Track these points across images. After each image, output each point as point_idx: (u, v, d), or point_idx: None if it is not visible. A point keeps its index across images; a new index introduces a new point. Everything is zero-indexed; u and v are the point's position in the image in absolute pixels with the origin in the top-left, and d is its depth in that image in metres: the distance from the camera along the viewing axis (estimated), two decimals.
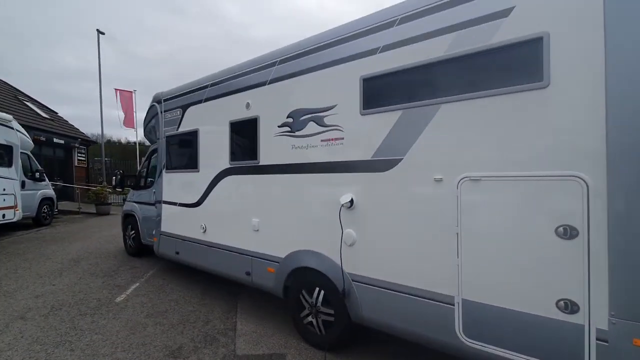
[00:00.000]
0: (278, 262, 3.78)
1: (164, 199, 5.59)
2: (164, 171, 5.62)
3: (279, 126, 3.78)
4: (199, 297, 4.84)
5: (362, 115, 3.06)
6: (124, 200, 8.01)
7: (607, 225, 1.98)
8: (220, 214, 4.55)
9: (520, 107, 2.27)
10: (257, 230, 4.03)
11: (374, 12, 3.07)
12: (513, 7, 2.31)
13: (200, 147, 4.87)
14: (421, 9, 2.71)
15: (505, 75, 2.33)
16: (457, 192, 2.50)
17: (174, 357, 3.26)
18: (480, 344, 2.41)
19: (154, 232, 5.88)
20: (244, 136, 4.28)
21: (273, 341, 3.61)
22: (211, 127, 4.72)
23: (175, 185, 5.40)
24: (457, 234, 2.50)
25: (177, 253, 5.29)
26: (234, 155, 4.35)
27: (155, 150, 6.41)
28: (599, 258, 2.01)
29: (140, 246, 6.78)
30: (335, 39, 3.26)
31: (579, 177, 2.06)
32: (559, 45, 2.14)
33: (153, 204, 6.13)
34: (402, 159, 2.80)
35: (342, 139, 3.20)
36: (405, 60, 2.78)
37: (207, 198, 4.74)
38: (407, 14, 2.79)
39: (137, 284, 5.29)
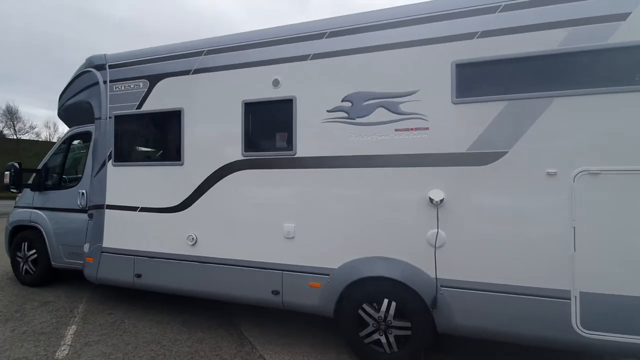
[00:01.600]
0: (327, 275, 3.14)
1: (110, 202, 4.03)
2: (109, 164, 4.05)
3: (329, 111, 3.15)
4: (186, 331, 3.64)
5: (454, 104, 2.80)
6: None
7: None
8: (225, 220, 3.52)
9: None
10: (292, 237, 3.26)
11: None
12: (629, 13, 2.46)
13: (186, 133, 3.68)
14: None
15: (624, 74, 2.46)
16: (574, 185, 2.51)
17: None
18: (599, 334, 2.47)
19: (86, 250, 4.17)
20: (269, 121, 3.44)
21: None
22: (207, 106, 3.62)
23: (134, 183, 3.95)
24: (574, 227, 2.51)
25: (138, 276, 3.87)
26: (250, 145, 3.43)
27: (82, 136, 4.62)
28: None
29: (47, 271, 4.75)
30: (424, 16, 2.90)
31: None
32: None
33: (78, 211, 4.39)
34: (506, 152, 2.66)
35: (427, 129, 2.86)
36: (510, 49, 2.66)
37: (200, 200, 3.62)
38: (513, 2, 2.68)
39: (74, 327, 3.62)
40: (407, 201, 2.91)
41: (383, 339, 3.01)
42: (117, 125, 4.03)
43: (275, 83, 3.33)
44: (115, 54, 4.16)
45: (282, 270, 3.30)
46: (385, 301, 2.98)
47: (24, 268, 4.87)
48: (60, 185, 4.71)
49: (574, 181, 2.51)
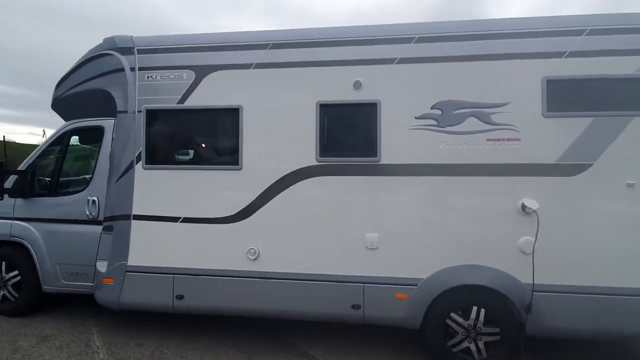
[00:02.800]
0: (414, 285, 3.06)
1: (139, 212, 3.39)
2: (137, 167, 3.41)
3: (416, 117, 3.08)
4: (244, 355, 3.22)
5: (544, 117, 2.95)
6: None
7: None
8: (295, 231, 3.22)
9: None
10: (375, 248, 3.11)
11: (562, 16, 3.04)
12: None
13: (245, 134, 3.28)
14: (613, 27, 2.91)
15: None
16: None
17: None
18: None
19: (101, 269, 3.45)
20: (349, 124, 3.23)
21: None
22: (273, 106, 3.27)
23: (174, 189, 3.39)
24: None
25: (180, 298, 3.33)
26: (326, 149, 3.18)
27: (88, 131, 3.84)
28: None
29: (34, 297, 3.82)
30: (518, 31, 2.99)
31: None
32: None
33: (84, 222, 3.63)
34: (592, 164, 2.89)
35: (518, 140, 2.97)
36: (595, 70, 2.90)
37: (263, 209, 3.25)
38: (599, 27, 2.92)
39: None
40: (498, 209, 2.99)
41: (472, 347, 3.04)
42: (150, 120, 3.42)
43: (357, 85, 3.15)
44: (145, 37, 3.54)
45: (364, 283, 3.12)
46: (474, 308, 3.01)
47: (1, 294, 3.84)
48: (55, 190, 3.81)
49: (633, 186, 2.82)
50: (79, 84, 3.65)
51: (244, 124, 3.28)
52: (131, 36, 3.54)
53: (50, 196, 3.79)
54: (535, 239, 2.88)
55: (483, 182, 3.01)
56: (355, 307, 3.13)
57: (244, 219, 3.28)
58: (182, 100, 3.37)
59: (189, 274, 3.34)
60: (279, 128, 3.27)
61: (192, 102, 3.36)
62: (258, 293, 3.25)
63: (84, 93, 3.66)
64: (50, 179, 3.85)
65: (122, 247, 3.43)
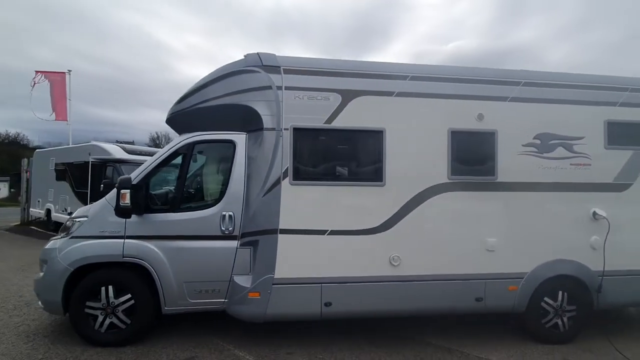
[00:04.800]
0: (521, 278, 3.87)
1: (286, 226, 3.52)
2: (284, 182, 3.52)
3: (523, 145, 3.90)
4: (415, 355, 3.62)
5: (606, 149, 4.04)
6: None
7: None
8: (430, 239, 3.74)
9: None
10: (493, 250, 3.83)
11: (616, 76, 4.15)
12: None
13: (388, 154, 3.68)
14: None
15: None
16: None
17: None
18: None
19: (245, 284, 3.47)
20: (472, 149, 3.88)
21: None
22: (411, 130, 3.75)
23: (321, 204, 3.60)
24: None
25: (328, 305, 3.57)
26: (455, 169, 3.79)
27: (215, 145, 3.74)
28: None
29: (150, 322, 3.56)
30: (587, 84, 4.02)
31: None
32: None
33: (216, 237, 3.57)
34: (632, 183, 4.08)
35: (590, 164, 4.01)
36: (636, 117, 4.09)
37: (403, 220, 3.70)
38: (636, 87, 4.12)
39: None
40: (577, 216, 3.97)
41: (559, 322, 3.98)
42: (297, 138, 3.56)
43: (480, 117, 3.83)
44: (289, 58, 3.66)
45: (486, 280, 3.82)
46: (560, 292, 3.96)
47: (106, 322, 3.45)
48: (179, 206, 3.60)
49: None
50: (218, 97, 3.57)
51: (387, 145, 3.68)
52: (274, 55, 3.63)
53: (173, 212, 3.58)
54: (606, 238, 3.94)
55: (567, 196, 3.97)
56: (479, 299, 3.80)
57: (387, 229, 3.68)
58: (330, 120, 3.61)
59: (336, 282, 3.60)
60: (416, 149, 3.76)
61: (339, 122, 3.63)
62: (400, 295, 3.69)
63: (219, 107, 3.59)
64: (173, 194, 3.63)
65: (268, 260, 3.51)
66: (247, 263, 3.59)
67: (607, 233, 3.93)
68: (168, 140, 46.30)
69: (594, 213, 3.94)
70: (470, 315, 4.07)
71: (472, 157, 3.90)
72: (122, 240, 3.47)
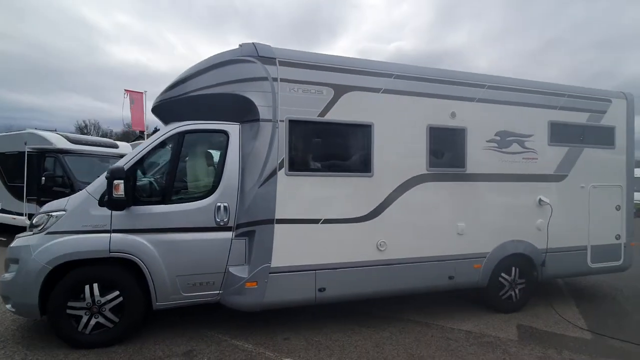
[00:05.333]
0: (484, 257, 4.44)
1: (281, 216, 3.61)
2: (280, 173, 3.60)
3: (487, 141, 4.45)
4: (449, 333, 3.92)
5: (549, 145, 4.77)
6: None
7: None
8: (411, 225, 4.11)
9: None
10: (462, 234, 4.34)
11: (555, 83, 4.88)
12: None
13: (376, 147, 3.95)
14: (576, 94, 4.94)
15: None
16: (589, 192, 4.99)
17: None
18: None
19: (243, 274, 3.49)
20: (446, 144, 4.31)
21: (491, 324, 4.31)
22: (396, 125, 4.05)
23: (314, 194, 3.75)
24: (588, 212, 5.01)
25: (322, 290, 3.75)
26: (433, 161, 4.19)
27: (207, 134, 3.66)
28: None
29: (139, 319, 3.40)
30: (532, 89, 4.68)
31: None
32: None
33: (209, 229, 3.55)
34: (567, 175, 4.88)
35: (537, 159, 4.70)
36: (574, 119, 4.88)
37: (389, 208, 4.01)
38: (571, 93, 4.91)
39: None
40: (526, 202, 4.65)
41: (513, 293, 4.64)
42: (293, 130, 3.65)
43: (453, 115, 4.28)
44: (284, 50, 3.71)
45: (456, 260, 4.30)
46: (513, 268, 4.62)
47: (92, 323, 3.20)
48: (170, 197, 3.45)
49: (588, 190, 4.99)
50: (208, 86, 3.48)
51: (375, 138, 3.94)
52: (270, 46, 3.65)
53: (164, 203, 3.44)
54: (549, 221, 4.68)
55: (520, 185, 4.62)
56: (451, 277, 4.28)
57: (374, 217, 3.96)
58: (323, 114, 3.76)
59: (329, 268, 3.79)
60: (400, 143, 4.07)
61: (332, 116, 3.79)
62: (386, 278, 4.00)
63: (212, 96, 3.51)
64: (163, 185, 3.47)
65: (265, 250, 3.57)
66: (242, 254, 3.61)
67: (550, 216, 4.68)
68: (98, 128, 42.12)
69: (540, 200, 4.65)
70: (442, 292, 4.54)
71: (446, 151, 4.35)
72: (108, 234, 3.26)
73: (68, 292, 3.20)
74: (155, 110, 3.85)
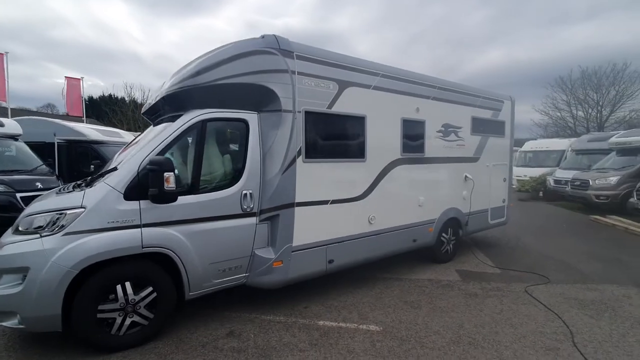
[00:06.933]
0: (434, 222, 5.72)
1: (300, 199, 3.96)
2: (299, 160, 3.91)
3: (437, 131, 5.63)
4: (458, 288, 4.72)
5: (471, 135, 6.28)
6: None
7: None
8: (391, 201, 4.99)
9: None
10: (421, 205, 5.48)
11: (476, 87, 6.34)
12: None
13: (368, 136, 4.60)
14: (482, 95, 6.58)
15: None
16: (490, 169, 6.82)
17: None
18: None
19: (269, 255, 3.76)
20: (412, 133, 5.26)
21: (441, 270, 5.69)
22: (381, 117, 4.77)
23: (324, 178, 4.20)
24: (490, 184, 6.87)
25: (331, 262, 4.31)
26: (404, 148, 5.11)
27: (227, 123, 3.64)
28: None
29: (171, 311, 3.29)
30: (462, 90, 6.04)
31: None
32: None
33: (236, 216, 3.68)
34: (479, 157, 6.55)
35: (465, 145, 6.17)
36: (485, 115, 6.51)
37: (376, 188, 4.78)
38: (483, 97, 6.50)
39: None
40: (458, 178, 6.11)
41: (449, 248, 6.11)
42: (308, 121, 3.96)
43: (417, 110, 5.25)
44: (300, 44, 3.90)
45: (417, 226, 5.43)
46: (450, 229, 6.08)
47: (126, 323, 2.95)
48: (198, 187, 3.31)
49: (489, 167, 6.82)
50: (234, 75, 3.44)
51: (367, 128, 4.58)
52: (288, 39, 3.78)
53: (192, 193, 3.32)
54: (471, 192, 6.25)
55: (454, 166, 6.02)
56: (415, 240, 5.40)
57: (366, 196, 4.66)
58: (330, 106, 4.17)
59: (336, 242, 4.35)
60: (384, 133, 4.82)
61: (337, 108, 4.24)
62: (375, 245, 4.81)
63: (236, 85, 3.49)
64: (192, 174, 3.31)
65: (287, 232, 3.88)
66: (265, 237, 3.85)
67: (472, 188, 6.27)
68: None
69: (466, 176, 6.17)
70: (405, 252, 5.65)
71: (413, 139, 5.32)
72: (139, 229, 3.05)
73: (97, 295, 2.91)
74: (167, 98, 3.55)
